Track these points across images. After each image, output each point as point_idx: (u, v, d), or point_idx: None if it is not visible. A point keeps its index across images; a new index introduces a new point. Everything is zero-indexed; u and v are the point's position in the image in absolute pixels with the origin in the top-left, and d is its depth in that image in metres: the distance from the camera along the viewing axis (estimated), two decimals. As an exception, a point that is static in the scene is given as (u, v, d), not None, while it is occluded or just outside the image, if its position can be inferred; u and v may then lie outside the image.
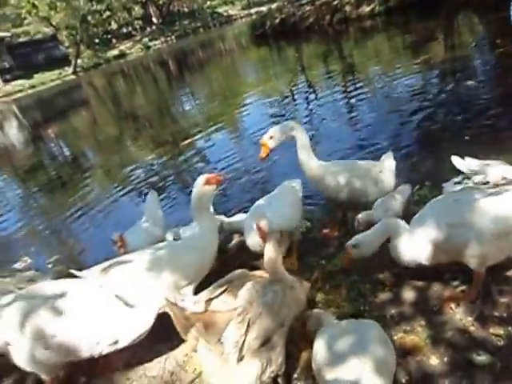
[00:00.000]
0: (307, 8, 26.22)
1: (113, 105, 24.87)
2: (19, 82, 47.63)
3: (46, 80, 47.26)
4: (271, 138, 4.17)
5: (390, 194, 4.28)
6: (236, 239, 4.96)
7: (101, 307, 2.99)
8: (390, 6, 22.75)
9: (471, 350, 2.71)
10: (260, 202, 4.36)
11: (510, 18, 15.01)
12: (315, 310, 2.90)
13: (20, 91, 44.77)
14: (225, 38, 44.06)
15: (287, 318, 2.77)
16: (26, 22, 58.56)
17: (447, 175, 4.53)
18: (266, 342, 2.61)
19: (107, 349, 2.95)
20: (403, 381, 2.63)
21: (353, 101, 10.66)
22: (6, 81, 47.99)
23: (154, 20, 61.78)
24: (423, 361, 2.74)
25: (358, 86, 12.06)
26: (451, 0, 18.75)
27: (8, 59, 50.90)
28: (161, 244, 3.93)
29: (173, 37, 58.75)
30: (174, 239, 4.66)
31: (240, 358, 2.54)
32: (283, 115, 11.22)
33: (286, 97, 13.35)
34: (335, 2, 24.98)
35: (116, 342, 2.95)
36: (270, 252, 2.91)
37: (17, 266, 5.54)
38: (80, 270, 3.55)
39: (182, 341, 3.24)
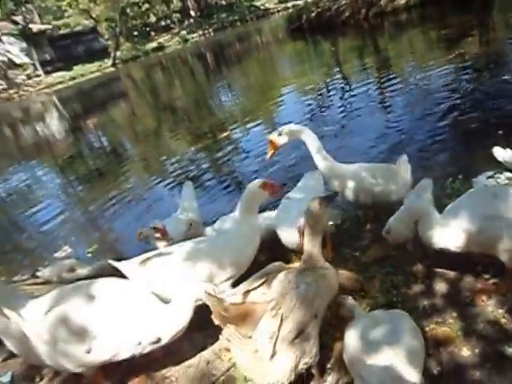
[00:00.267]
0: (343, 2, 25.93)
1: (151, 97, 25.12)
2: (60, 73, 48.44)
3: (86, 72, 47.93)
4: (279, 135, 4.19)
5: (414, 191, 4.21)
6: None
7: (141, 307, 3.00)
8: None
9: (502, 342, 2.73)
10: (288, 196, 4.36)
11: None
12: (348, 300, 2.89)
13: (60, 83, 45.50)
14: (261, 32, 43.88)
15: (320, 308, 2.76)
16: (66, 14, 59.81)
17: (480, 168, 4.54)
18: (299, 334, 2.61)
19: (149, 348, 2.97)
20: (435, 371, 2.65)
21: (387, 94, 10.69)
22: (47, 72, 48.90)
23: (192, 13, 62.05)
24: (455, 352, 2.75)
25: (392, 80, 12.00)
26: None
27: (49, 51, 51.78)
28: (201, 238, 3.93)
29: (210, 30, 58.86)
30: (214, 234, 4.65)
31: (273, 354, 2.57)
32: (318, 108, 11.22)
33: (321, 90, 13.34)
34: (371, -4, 24.73)
35: (158, 341, 2.97)
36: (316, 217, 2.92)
37: (57, 254, 5.69)
38: (119, 260, 3.60)
39: (218, 330, 3.25)
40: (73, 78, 46.31)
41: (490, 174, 4.20)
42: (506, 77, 8.96)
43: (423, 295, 3.25)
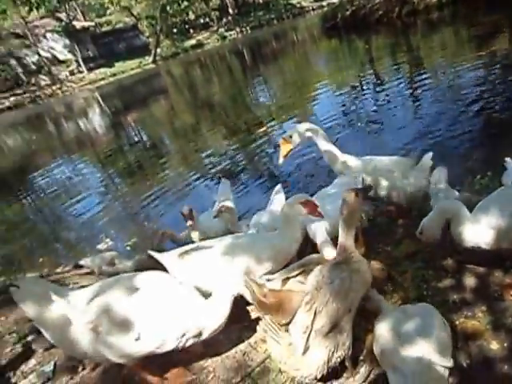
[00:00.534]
0: (377, 0, 25.84)
1: (189, 93, 25.35)
2: (102, 70, 49.53)
3: (127, 68, 48.84)
4: (291, 137, 4.27)
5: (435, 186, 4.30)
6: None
7: (185, 300, 3.03)
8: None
9: (531, 337, 2.74)
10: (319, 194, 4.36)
11: None
12: (375, 296, 2.95)
13: (102, 79, 46.55)
14: (297, 30, 43.83)
15: (354, 302, 2.77)
16: (108, 11, 60.95)
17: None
18: (333, 328, 2.65)
19: (191, 341, 2.99)
20: (464, 364, 2.68)
21: (418, 91, 10.69)
22: (90, 69, 50.02)
23: (230, 11, 62.37)
24: (484, 345, 2.77)
25: (423, 77, 12.00)
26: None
27: (92, 48, 52.95)
28: (241, 233, 4.01)
29: (248, 27, 59.08)
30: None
31: (306, 348, 2.63)
32: (352, 104, 11.29)
33: (355, 87, 13.35)
34: (404, -6, 24.63)
35: (199, 334, 3.00)
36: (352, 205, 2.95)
37: (99, 246, 5.87)
38: (159, 251, 3.66)
39: (254, 323, 3.37)
40: (114, 75, 47.27)
41: None
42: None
43: (453, 289, 3.27)
